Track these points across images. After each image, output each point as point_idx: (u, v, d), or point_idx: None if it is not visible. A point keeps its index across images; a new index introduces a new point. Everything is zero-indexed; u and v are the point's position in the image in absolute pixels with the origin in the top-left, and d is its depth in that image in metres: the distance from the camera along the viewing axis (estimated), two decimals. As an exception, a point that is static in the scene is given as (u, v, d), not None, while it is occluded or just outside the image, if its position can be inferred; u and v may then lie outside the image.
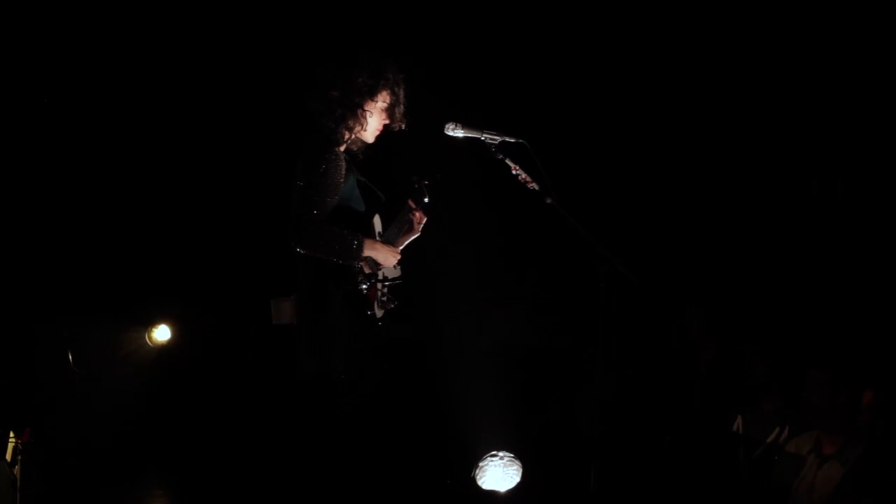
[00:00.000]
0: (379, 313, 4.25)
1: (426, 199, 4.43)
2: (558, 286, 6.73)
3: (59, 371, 6.31)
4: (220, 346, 7.22)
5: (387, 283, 4.27)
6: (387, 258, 4.27)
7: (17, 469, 5.07)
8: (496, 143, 4.15)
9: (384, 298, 4.27)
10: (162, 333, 7.24)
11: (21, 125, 6.50)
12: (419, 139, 4.49)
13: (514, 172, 4.14)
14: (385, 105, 4.31)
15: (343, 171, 4.18)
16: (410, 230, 4.43)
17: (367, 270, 4.20)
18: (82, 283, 6.79)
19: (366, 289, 4.18)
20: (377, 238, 4.35)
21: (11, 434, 5.17)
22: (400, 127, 4.38)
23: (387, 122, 4.34)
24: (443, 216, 4.63)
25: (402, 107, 4.34)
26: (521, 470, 5.61)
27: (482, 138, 4.16)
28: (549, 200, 4.11)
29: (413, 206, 4.42)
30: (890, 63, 5.95)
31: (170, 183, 6.97)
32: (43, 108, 6.49)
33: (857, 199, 6.17)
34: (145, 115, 6.83)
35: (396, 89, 4.31)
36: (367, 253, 4.17)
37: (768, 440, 5.22)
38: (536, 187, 4.12)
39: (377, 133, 4.35)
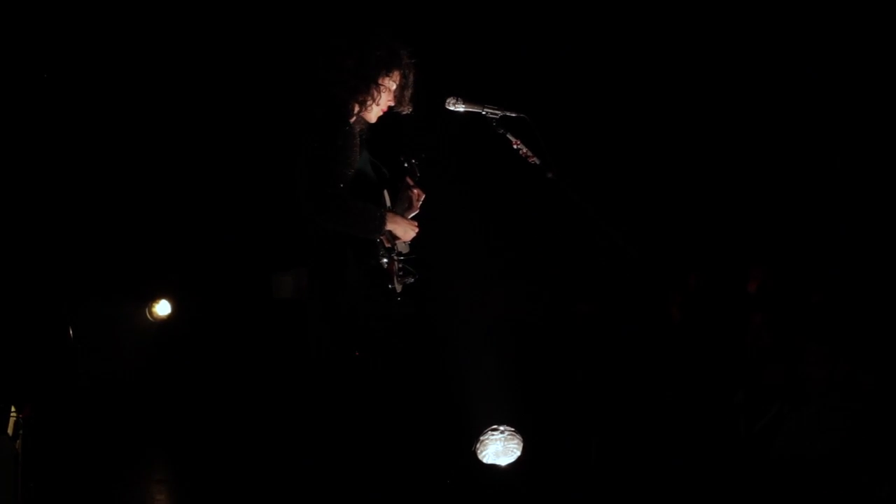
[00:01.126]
0: (398, 288, 4.25)
1: (418, 176, 4.44)
2: (560, 261, 6.73)
3: (60, 346, 6.32)
4: (220, 321, 7.23)
5: (401, 258, 4.28)
6: (406, 232, 4.27)
7: (18, 444, 5.08)
8: (497, 117, 4.14)
9: (400, 273, 4.27)
10: (163, 308, 7.25)
11: (16, 105, 6.47)
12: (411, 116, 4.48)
13: (515, 147, 4.13)
14: (395, 85, 4.27)
15: (358, 144, 4.17)
16: (410, 207, 4.42)
17: (386, 244, 4.21)
18: (83, 258, 6.78)
19: (386, 263, 4.18)
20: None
21: (13, 409, 5.18)
22: (408, 110, 4.35)
23: (391, 103, 4.30)
24: (443, 192, 4.63)
25: (410, 91, 4.31)
26: (521, 444, 5.62)
27: (483, 113, 4.15)
28: (550, 175, 4.11)
29: (412, 183, 4.41)
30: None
31: (169, 157, 6.95)
32: (41, 85, 6.45)
33: (856, 174, 6.17)
34: (141, 92, 6.80)
35: (407, 72, 4.28)
36: (388, 226, 4.18)
37: (769, 414, 5.24)
38: (537, 162, 4.12)
39: (380, 113, 4.32)
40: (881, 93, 6.03)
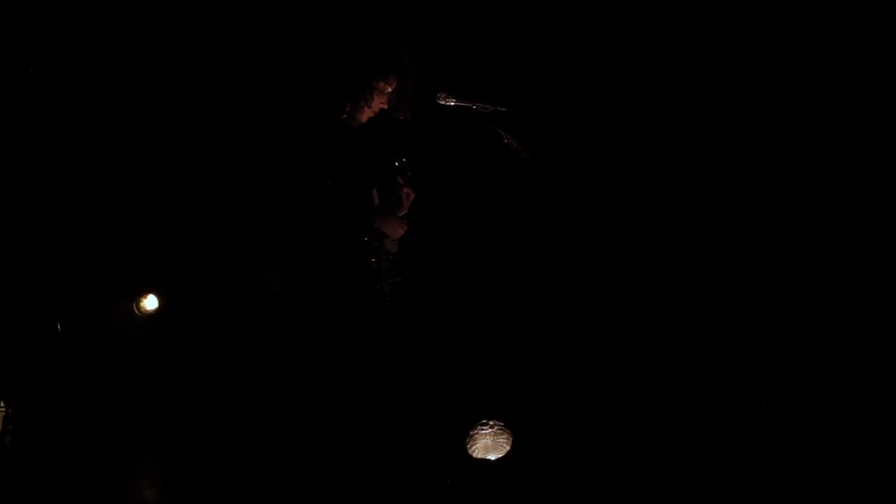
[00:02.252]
0: (385, 288, 4.23)
1: (408, 175, 4.43)
2: (551, 255, 6.72)
3: (48, 341, 6.29)
4: (209, 315, 7.20)
5: (389, 258, 4.26)
6: (395, 230, 4.25)
7: (7, 439, 5.07)
8: (488, 112, 4.14)
9: (388, 273, 4.25)
10: (150, 303, 7.22)
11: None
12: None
13: (506, 142, 4.13)
14: (390, 90, 4.24)
15: (348, 143, 4.16)
16: (399, 207, 4.40)
17: (374, 243, 4.19)
18: (70, 252, 6.75)
19: (374, 262, 4.17)
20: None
21: (1, 404, 5.16)
22: (405, 116, 4.32)
23: (384, 106, 4.27)
24: (430, 190, 4.62)
25: (409, 97, 4.27)
26: (511, 439, 5.62)
27: (474, 108, 4.15)
28: (540, 170, 4.11)
29: (402, 182, 4.40)
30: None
31: (156, 150, 6.92)
32: (27, 79, 6.41)
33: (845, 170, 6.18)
34: (128, 85, 6.76)
35: (407, 78, 4.24)
36: (377, 225, 4.16)
37: (759, 409, 5.25)
38: (528, 156, 4.12)
39: (371, 115, 4.29)
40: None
